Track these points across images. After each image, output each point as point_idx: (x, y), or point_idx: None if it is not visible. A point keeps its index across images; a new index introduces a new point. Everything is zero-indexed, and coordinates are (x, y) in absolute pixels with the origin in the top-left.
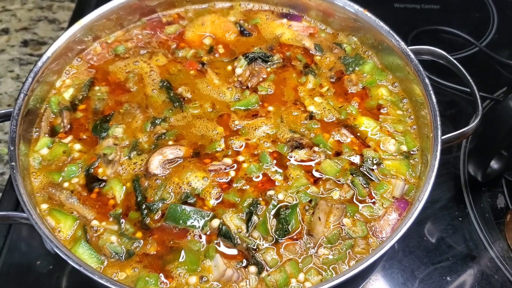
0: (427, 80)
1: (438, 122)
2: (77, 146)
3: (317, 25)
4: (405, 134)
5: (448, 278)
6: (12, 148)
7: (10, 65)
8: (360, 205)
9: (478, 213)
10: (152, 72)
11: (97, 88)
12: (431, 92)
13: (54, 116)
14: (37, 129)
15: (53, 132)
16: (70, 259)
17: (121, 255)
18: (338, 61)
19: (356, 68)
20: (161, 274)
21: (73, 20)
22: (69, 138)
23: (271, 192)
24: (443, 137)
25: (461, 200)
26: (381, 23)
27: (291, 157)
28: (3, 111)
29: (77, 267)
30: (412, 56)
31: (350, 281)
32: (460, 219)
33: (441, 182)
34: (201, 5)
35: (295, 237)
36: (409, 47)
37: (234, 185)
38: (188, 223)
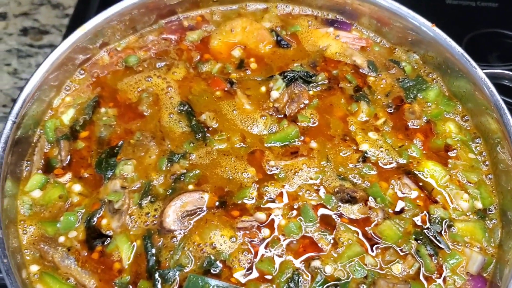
0: (510, 118)
1: None
2: (77, 188)
3: (369, 36)
4: (479, 186)
5: None
6: None
7: (7, 57)
8: (427, 284)
9: None
10: (169, 89)
11: (103, 110)
12: None
13: (49, 146)
14: (28, 162)
15: (48, 167)
16: None
17: None
18: (396, 84)
19: (418, 94)
20: None
21: (79, 7)
22: (68, 176)
23: (316, 263)
24: None
25: None
26: (453, 43)
27: (341, 214)
28: None
29: None
30: (493, 89)
31: None
32: None
33: None
34: (230, 6)
35: None
36: (484, 71)
37: (269, 251)
38: None
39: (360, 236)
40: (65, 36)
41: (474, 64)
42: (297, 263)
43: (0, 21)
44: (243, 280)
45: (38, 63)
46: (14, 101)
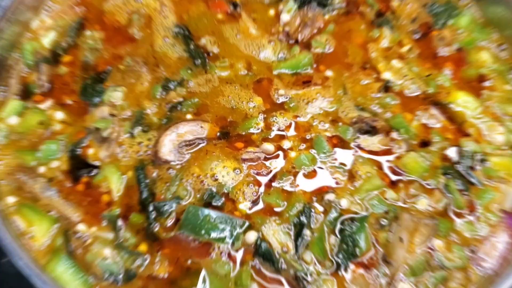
0: None
1: None
2: (59, 115)
3: None
4: None
5: None
6: None
7: None
8: (458, 220)
9: None
10: (163, 8)
11: (88, 33)
12: None
13: (28, 70)
14: (4, 87)
15: (26, 94)
16: (41, 281)
17: (118, 276)
18: (423, 9)
19: (448, 21)
20: None
21: None
22: (48, 102)
23: (330, 196)
24: None
25: None
26: None
27: (359, 146)
28: None
29: None
30: None
31: None
32: None
33: None
34: None
35: (365, 263)
36: None
37: (278, 183)
38: (213, 234)
39: (381, 169)
40: None
41: None
42: (309, 196)
43: None
44: (248, 212)
45: None
46: None
